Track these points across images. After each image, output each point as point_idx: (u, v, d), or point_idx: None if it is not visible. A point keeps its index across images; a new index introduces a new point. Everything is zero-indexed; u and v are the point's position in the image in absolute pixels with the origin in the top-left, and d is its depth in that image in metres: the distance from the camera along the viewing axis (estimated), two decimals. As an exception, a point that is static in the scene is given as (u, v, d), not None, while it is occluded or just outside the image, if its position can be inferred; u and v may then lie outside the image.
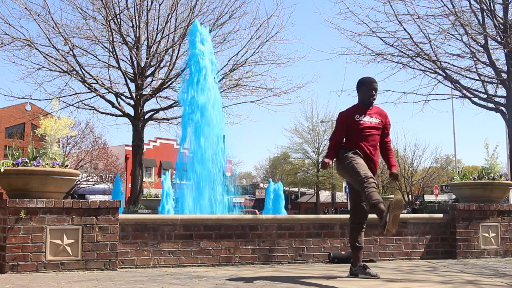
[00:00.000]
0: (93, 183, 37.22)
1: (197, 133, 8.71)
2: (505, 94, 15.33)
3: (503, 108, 15.48)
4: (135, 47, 19.48)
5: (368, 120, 5.04)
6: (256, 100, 20.40)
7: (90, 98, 19.62)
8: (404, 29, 15.24)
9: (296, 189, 58.72)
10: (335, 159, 5.06)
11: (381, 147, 5.19)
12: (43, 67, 18.48)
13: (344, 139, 5.08)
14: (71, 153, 34.04)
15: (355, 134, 4.99)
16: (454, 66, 15.99)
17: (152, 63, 19.67)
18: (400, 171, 45.64)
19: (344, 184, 34.79)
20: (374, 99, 5.10)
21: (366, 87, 5.08)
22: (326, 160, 4.96)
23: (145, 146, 23.33)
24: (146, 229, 5.70)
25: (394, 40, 15.65)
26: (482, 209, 6.84)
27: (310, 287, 4.41)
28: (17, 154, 5.43)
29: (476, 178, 7.12)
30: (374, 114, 5.11)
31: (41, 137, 5.74)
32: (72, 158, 31.90)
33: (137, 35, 19.47)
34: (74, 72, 18.40)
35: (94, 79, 19.04)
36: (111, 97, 19.76)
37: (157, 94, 20.22)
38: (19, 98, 19.28)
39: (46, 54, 18.16)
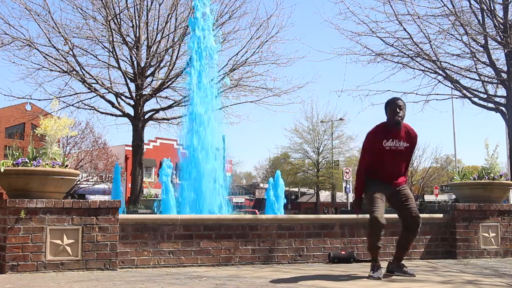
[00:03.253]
0: (93, 183, 37.20)
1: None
2: (505, 94, 15.32)
3: (503, 108, 15.47)
4: (135, 47, 19.48)
5: (394, 145, 5.02)
6: (256, 100, 20.43)
7: (90, 98, 19.67)
8: (404, 29, 15.24)
9: (296, 189, 58.69)
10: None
11: None
12: (43, 67, 18.50)
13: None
14: (71, 153, 34.02)
15: (379, 160, 5.01)
16: (454, 66, 15.99)
17: (152, 63, 19.68)
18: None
19: (344, 184, 34.75)
20: (400, 117, 5.02)
21: (391, 107, 5.04)
22: (357, 200, 5.14)
23: (145, 146, 23.32)
24: (146, 229, 5.70)
25: (394, 40, 15.65)
26: (482, 209, 6.84)
27: (310, 287, 4.41)
28: (17, 154, 5.42)
29: (476, 178, 7.12)
30: (402, 137, 5.05)
31: (41, 137, 5.74)
32: (72, 158, 31.88)
33: (137, 35, 19.48)
34: (74, 72, 18.40)
35: (94, 79, 19.04)
36: (111, 97, 19.79)
37: (157, 94, 20.23)
38: (19, 98, 19.32)
39: (46, 54, 18.17)
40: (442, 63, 15.73)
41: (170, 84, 20.10)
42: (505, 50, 14.46)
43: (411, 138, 5.12)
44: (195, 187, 8.71)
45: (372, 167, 5.06)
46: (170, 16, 19.21)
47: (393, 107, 5.03)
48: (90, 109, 19.81)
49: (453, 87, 16.61)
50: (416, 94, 16.22)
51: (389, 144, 4.99)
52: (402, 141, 5.04)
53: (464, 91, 16.03)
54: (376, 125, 5.12)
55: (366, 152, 5.08)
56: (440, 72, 15.81)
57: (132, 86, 19.70)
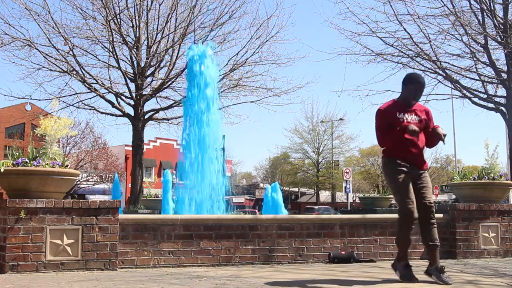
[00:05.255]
0: (93, 183, 37.18)
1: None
2: (505, 94, 15.33)
3: (503, 108, 15.47)
4: (135, 47, 19.48)
5: (410, 118, 4.84)
6: (256, 100, 20.42)
7: (90, 98, 19.66)
8: (404, 29, 15.24)
9: (296, 189, 58.73)
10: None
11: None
12: (43, 67, 18.49)
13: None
14: (71, 153, 34.00)
15: (400, 134, 4.77)
16: (454, 66, 16.00)
17: (152, 63, 19.67)
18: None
19: (344, 184, 34.75)
20: (417, 100, 4.95)
21: (414, 87, 4.90)
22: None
23: (145, 146, 23.31)
24: (146, 229, 5.70)
25: (394, 40, 15.65)
26: (482, 209, 6.84)
27: (310, 287, 4.41)
28: (17, 154, 5.42)
29: (476, 178, 7.12)
30: (417, 111, 4.92)
31: (41, 137, 5.74)
32: (72, 158, 31.86)
33: (137, 35, 19.47)
34: (74, 72, 18.39)
35: (94, 79, 19.04)
36: (111, 97, 19.78)
37: (157, 94, 20.22)
38: (19, 98, 19.32)
39: (46, 54, 18.16)
40: (442, 63, 15.73)
41: (170, 84, 20.09)
42: (505, 50, 14.46)
43: (426, 111, 5.00)
44: (193, 187, 8.69)
45: (396, 142, 4.82)
46: (170, 16, 19.21)
47: (417, 87, 4.91)
48: (90, 109, 19.82)
49: (453, 87, 16.61)
50: (416, 94, 16.19)
51: (405, 117, 4.83)
52: (416, 115, 4.90)
53: (464, 91, 16.03)
54: (387, 102, 5.01)
55: (380, 126, 4.84)
56: (440, 72, 15.81)
57: (132, 86, 19.69)
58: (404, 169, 4.80)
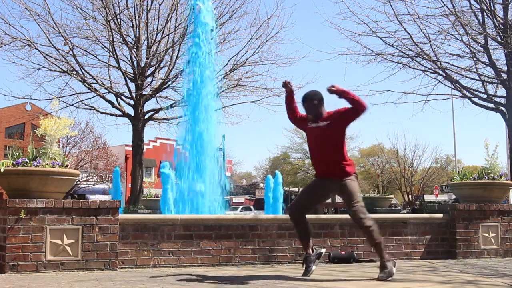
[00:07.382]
0: (93, 183, 37.19)
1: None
2: (505, 94, 15.34)
3: (503, 108, 15.48)
4: (135, 47, 19.48)
5: (317, 125, 5.07)
6: (256, 100, 20.42)
7: (90, 98, 19.67)
8: (404, 29, 15.26)
9: (296, 189, 58.71)
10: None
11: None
12: (43, 67, 18.51)
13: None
14: (71, 153, 34.01)
15: (310, 146, 5.28)
16: (454, 66, 16.02)
17: (152, 63, 19.67)
18: (400, 171, 45.73)
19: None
20: (314, 114, 5.12)
21: (303, 105, 5.22)
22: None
23: (145, 146, 23.31)
24: (146, 229, 5.70)
25: (394, 40, 15.68)
26: (482, 209, 6.84)
27: (310, 287, 4.41)
28: (17, 154, 5.42)
29: (476, 178, 7.12)
30: (326, 119, 5.07)
31: (41, 137, 5.74)
32: (72, 158, 31.88)
33: (137, 35, 19.48)
34: (74, 72, 18.40)
35: (94, 79, 19.05)
36: (111, 97, 19.79)
37: (157, 94, 20.23)
38: (19, 98, 19.34)
39: (46, 54, 18.17)
40: (442, 63, 15.75)
41: (170, 84, 20.11)
42: (505, 50, 14.48)
43: (336, 112, 5.08)
44: (191, 187, 8.68)
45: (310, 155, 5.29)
46: (170, 16, 19.22)
47: (303, 105, 5.19)
48: (90, 109, 19.83)
49: (453, 87, 16.63)
50: (416, 94, 16.25)
51: (314, 124, 5.10)
52: (324, 121, 5.06)
53: (464, 91, 16.04)
54: None
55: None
56: (440, 72, 15.82)
57: (132, 86, 19.70)
58: (317, 182, 5.15)
